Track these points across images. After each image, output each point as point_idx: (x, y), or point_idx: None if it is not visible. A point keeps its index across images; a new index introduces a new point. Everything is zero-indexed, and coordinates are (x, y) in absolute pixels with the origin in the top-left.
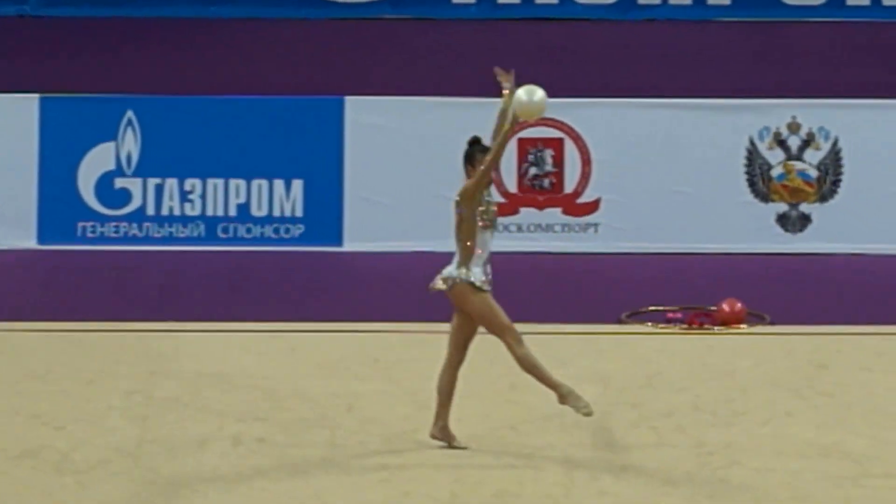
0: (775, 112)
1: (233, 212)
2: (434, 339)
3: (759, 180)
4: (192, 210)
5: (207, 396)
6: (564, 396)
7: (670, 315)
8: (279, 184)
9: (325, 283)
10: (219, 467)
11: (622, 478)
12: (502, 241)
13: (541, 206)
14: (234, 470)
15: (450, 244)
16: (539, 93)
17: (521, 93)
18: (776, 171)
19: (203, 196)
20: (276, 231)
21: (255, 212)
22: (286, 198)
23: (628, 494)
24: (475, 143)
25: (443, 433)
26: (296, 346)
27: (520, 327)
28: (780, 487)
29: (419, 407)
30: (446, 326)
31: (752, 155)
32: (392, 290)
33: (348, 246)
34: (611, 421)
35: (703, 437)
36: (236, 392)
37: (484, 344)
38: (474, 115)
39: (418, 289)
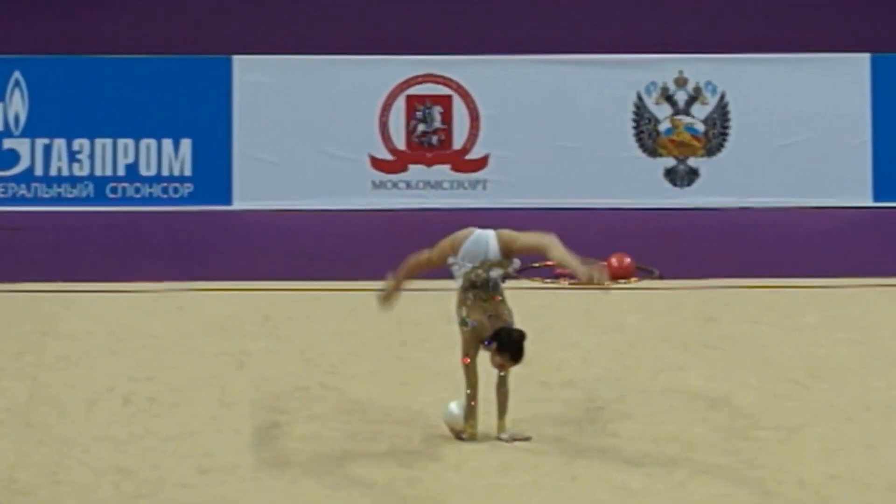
0: (662, 67)
1: (121, 171)
2: (323, 296)
3: (647, 135)
4: (81, 170)
5: (97, 356)
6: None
7: (559, 270)
8: (168, 143)
9: (214, 243)
10: (109, 426)
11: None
12: (391, 199)
13: (429, 163)
14: (125, 429)
15: (338, 203)
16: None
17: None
18: (664, 126)
19: (91, 156)
20: (165, 191)
21: (143, 171)
22: (175, 157)
23: (518, 448)
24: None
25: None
26: (185, 306)
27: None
28: (671, 440)
29: (309, 364)
30: (335, 284)
31: (640, 110)
32: (281, 248)
33: (237, 205)
34: None
35: (593, 391)
36: (126, 352)
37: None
38: (361, 73)
39: (307, 247)
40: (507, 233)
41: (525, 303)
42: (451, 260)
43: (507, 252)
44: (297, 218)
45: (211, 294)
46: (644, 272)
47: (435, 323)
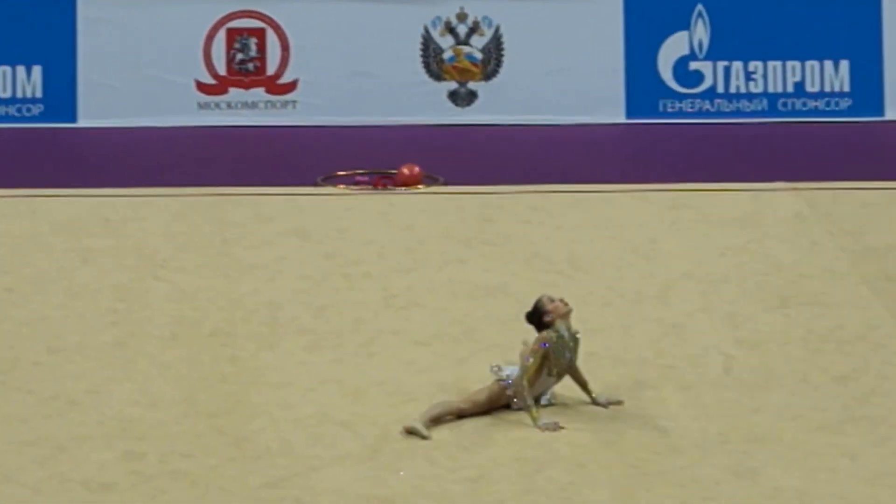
0: (446, 4)
1: None
2: (155, 201)
3: (433, 62)
4: None
5: None
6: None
7: (358, 178)
8: (21, 70)
9: (62, 155)
10: None
11: (319, 317)
12: (214, 118)
13: (247, 87)
14: None
15: (168, 121)
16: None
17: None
18: (447, 55)
19: None
20: (19, 110)
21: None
22: (27, 82)
23: (323, 331)
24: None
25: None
26: (37, 209)
27: (234, 189)
28: (453, 324)
29: (143, 259)
30: (166, 191)
31: (427, 41)
32: (120, 160)
33: (82, 122)
34: (307, 269)
35: (387, 281)
36: None
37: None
38: (187, 9)
39: (142, 159)
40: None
41: (329, 206)
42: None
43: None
44: (133, 133)
45: (59, 199)
46: (431, 179)
47: (251, 224)
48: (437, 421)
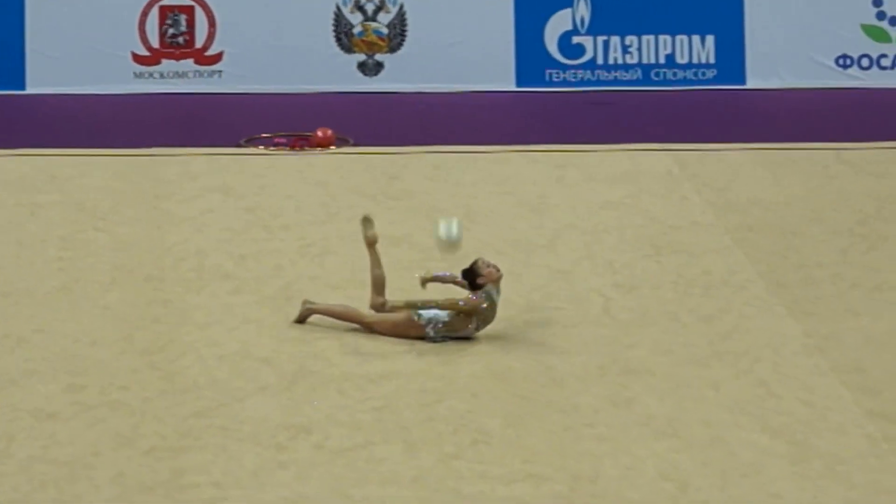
0: None
1: None
2: (96, 161)
3: (344, 36)
4: None
5: None
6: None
7: (277, 140)
8: None
9: (11, 119)
10: None
11: (242, 264)
12: (148, 86)
13: (177, 58)
14: None
15: (107, 89)
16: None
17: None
18: (357, 30)
19: None
20: None
21: None
22: None
23: (245, 276)
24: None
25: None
26: None
27: (166, 150)
28: (362, 271)
29: (85, 213)
30: (106, 151)
31: (338, 17)
32: (64, 123)
33: (30, 90)
34: (231, 222)
35: (303, 232)
36: None
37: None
38: None
39: (84, 122)
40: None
41: (251, 165)
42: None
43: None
44: (77, 100)
45: (9, 158)
46: (342, 141)
47: (183, 182)
48: (335, 316)
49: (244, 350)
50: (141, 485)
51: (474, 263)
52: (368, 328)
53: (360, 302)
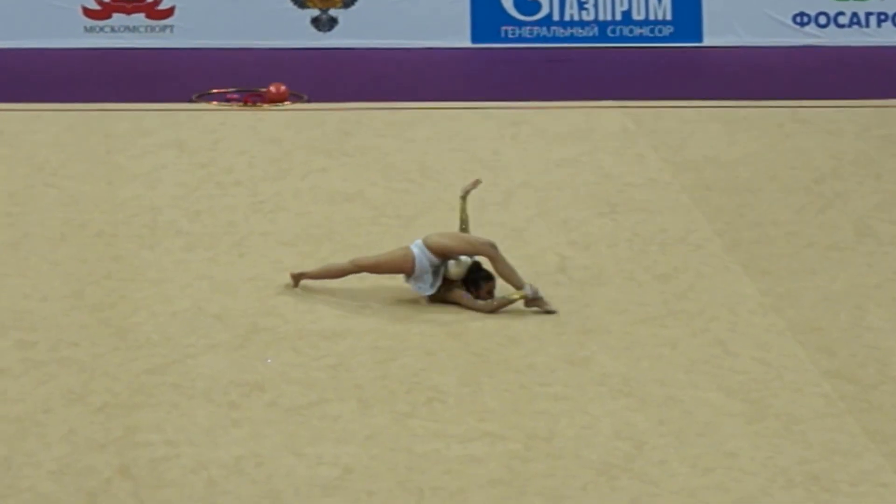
0: None
1: None
2: (46, 115)
3: None
4: None
5: None
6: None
7: (229, 95)
8: None
9: None
10: None
11: (195, 220)
12: (99, 40)
13: (129, 12)
14: None
15: (59, 43)
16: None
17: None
18: None
19: None
20: None
21: None
22: None
23: (198, 232)
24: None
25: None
26: None
27: (118, 105)
28: (315, 227)
29: (35, 168)
30: (56, 106)
31: None
32: (14, 77)
33: None
34: (184, 177)
35: (256, 188)
36: None
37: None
38: None
39: (34, 77)
40: (436, 241)
41: (204, 121)
42: (411, 284)
43: (442, 255)
44: (27, 54)
45: None
46: (296, 97)
47: (133, 136)
48: (321, 276)
49: (196, 306)
50: (92, 442)
51: (485, 276)
52: (357, 269)
53: (310, 258)
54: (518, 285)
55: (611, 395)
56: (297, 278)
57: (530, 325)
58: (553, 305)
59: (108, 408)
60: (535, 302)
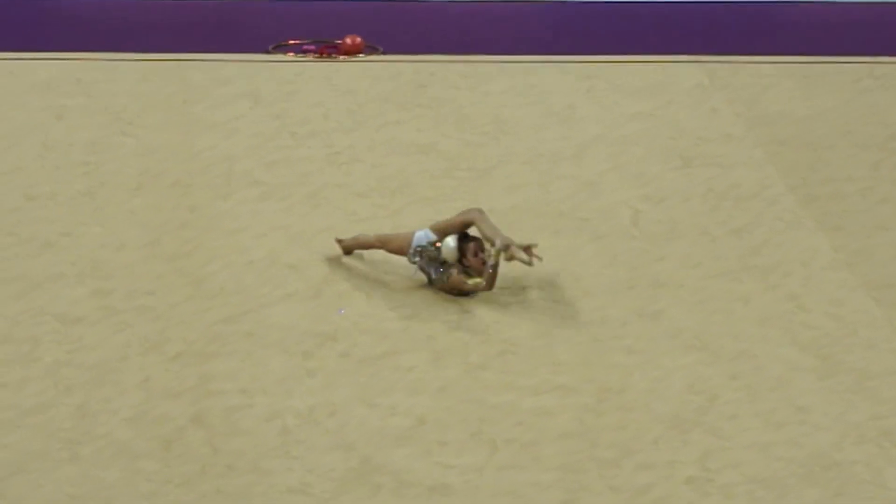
0: None
1: None
2: (121, 65)
3: None
4: None
5: None
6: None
7: (306, 47)
8: None
9: (40, 22)
10: None
11: (270, 170)
12: None
13: None
14: None
15: None
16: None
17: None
18: None
19: None
20: None
21: None
22: None
23: (273, 183)
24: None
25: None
26: (13, 70)
27: (195, 55)
28: (389, 179)
29: (112, 117)
30: (132, 55)
31: None
32: (94, 27)
33: None
34: (259, 128)
35: (331, 140)
36: None
37: None
38: None
39: (115, 26)
40: (438, 224)
41: (280, 72)
42: (413, 259)
43: (441, 232)
44: (104, 3)
45: (36, 62)
46: (371, 49)
47: (210, 87)
48: (356, 246)
49: (271, 256)
50: (167, 390)
51: (471, 241)
52: (379, 245)
53: (384, 209)
54: (492, 242)
55: (683, 349)
56: (344, 247)
57: (603, 278)
58: (536, 259)
59: (182, 356)
60: (508, 252)
